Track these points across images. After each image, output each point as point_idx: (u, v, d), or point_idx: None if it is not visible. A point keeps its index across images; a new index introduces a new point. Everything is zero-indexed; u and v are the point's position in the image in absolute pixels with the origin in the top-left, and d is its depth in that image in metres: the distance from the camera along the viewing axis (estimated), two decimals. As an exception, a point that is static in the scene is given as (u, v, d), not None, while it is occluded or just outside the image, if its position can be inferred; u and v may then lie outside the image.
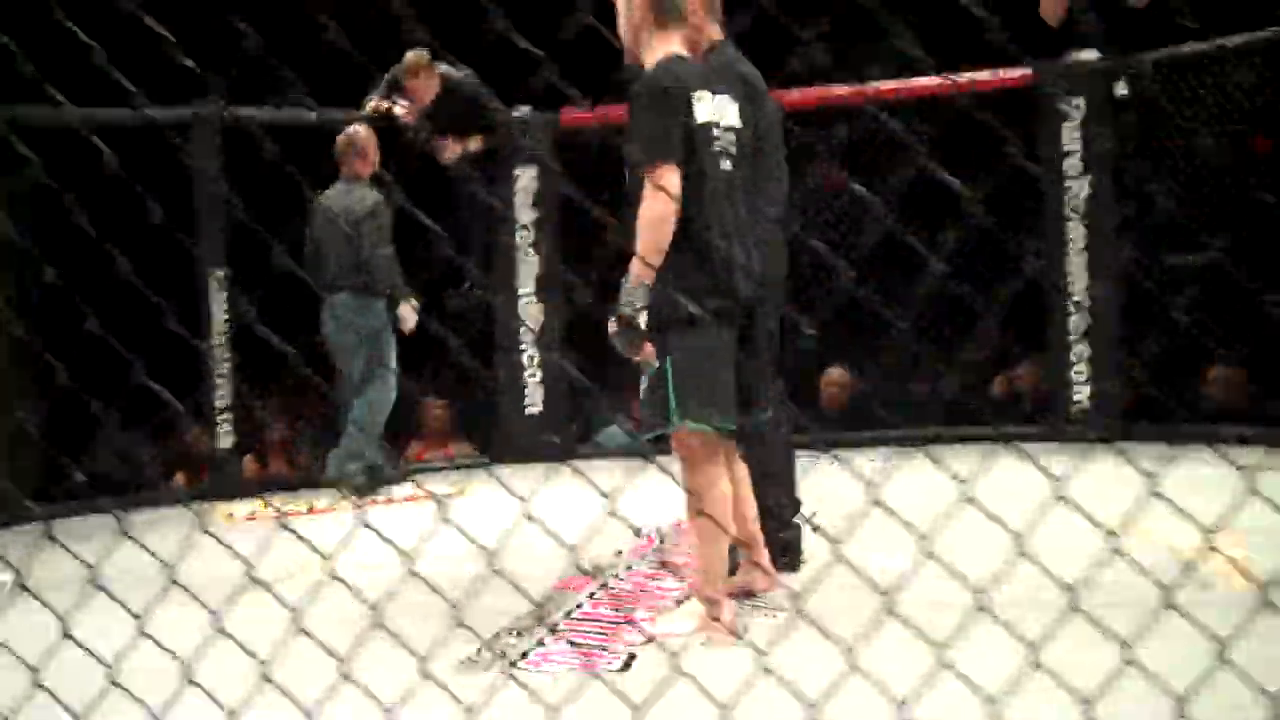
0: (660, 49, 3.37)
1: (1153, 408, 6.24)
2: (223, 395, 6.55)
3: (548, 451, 7.00)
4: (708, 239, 3.26)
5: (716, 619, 3.33)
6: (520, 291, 7.23)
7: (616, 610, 3.69)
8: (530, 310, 7.24)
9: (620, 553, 4.42)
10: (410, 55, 6.88)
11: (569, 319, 7.29)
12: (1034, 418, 6.85)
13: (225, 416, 6.57)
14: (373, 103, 6.93)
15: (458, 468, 7.13)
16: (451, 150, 7.05)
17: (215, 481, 6.58)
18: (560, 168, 7.27)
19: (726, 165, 3.36)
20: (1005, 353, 7.27)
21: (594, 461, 6.74)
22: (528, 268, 7.25)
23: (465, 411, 7.69)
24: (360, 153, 6.38)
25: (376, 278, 6.26)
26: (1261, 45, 5.97)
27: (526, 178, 7.26)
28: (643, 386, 3.36)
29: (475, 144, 7.09)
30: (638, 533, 4.55)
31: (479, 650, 3.32)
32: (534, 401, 7.23)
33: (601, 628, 3.56)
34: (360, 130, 6.47)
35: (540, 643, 3.40)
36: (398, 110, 6.87)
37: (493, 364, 7.24)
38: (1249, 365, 6.58)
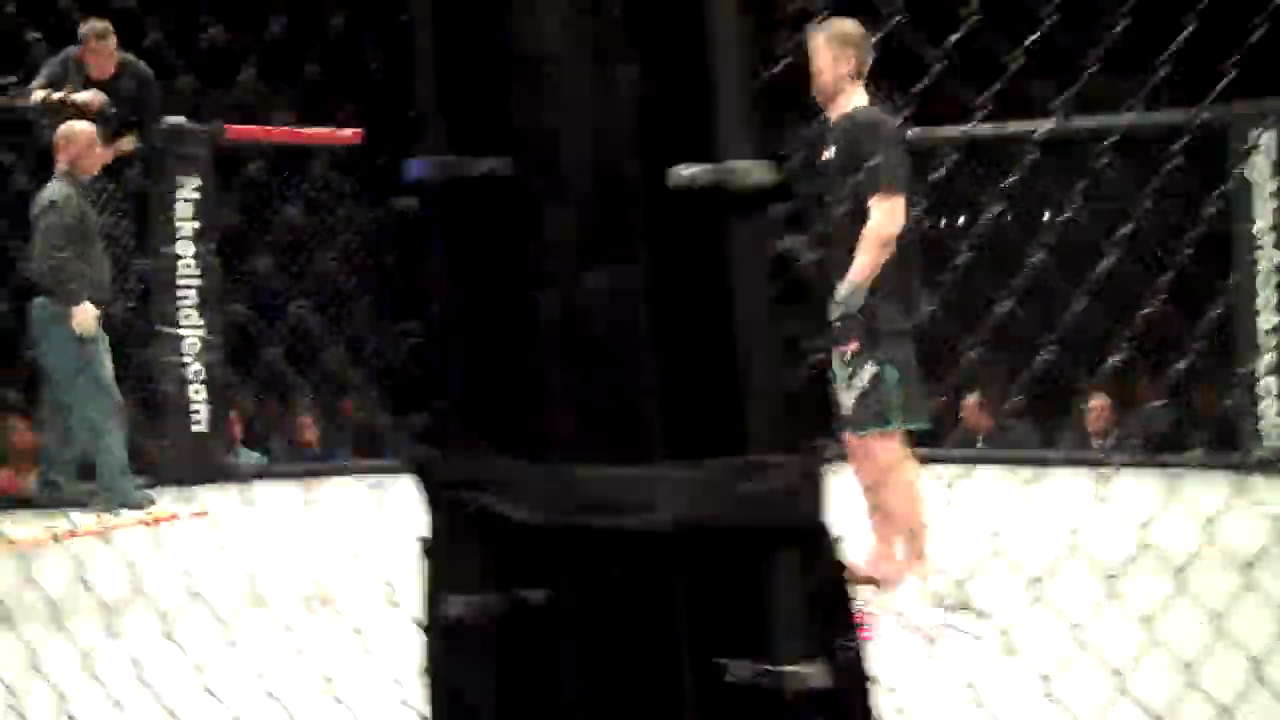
0: (860, 98, 3.87)
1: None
2: None
3: (215, 470, 6.79)
4: (910, 263, 3.78)
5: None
6: (180, 304, 6.97)
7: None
8: (192, 323, 6.99)
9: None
10: (90, 23, 6.47)
11: (230, 333, 7.12)
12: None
13: None
14: (41, 93, 6.42)
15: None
16: (106, 149, 6.68)
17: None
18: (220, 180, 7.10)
19: None
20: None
21: (266, 482, 6.64)
22: (188, 280, 7.01)
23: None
24: (62, 145, 5.97)
25: (40, 279, 5.81)
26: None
27: (189, 188, 7.02)
28: (849, 385, 3.72)
29: (127, 144, 6.76)
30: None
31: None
32: (200, 419, 6.98)
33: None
34: (76, 124, 6.05)
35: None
36: (81, 97, 6.40)
37: (151, 380, 6.93)
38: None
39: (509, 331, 1.10)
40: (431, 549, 1.18)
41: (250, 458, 7.61)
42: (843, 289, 3.68)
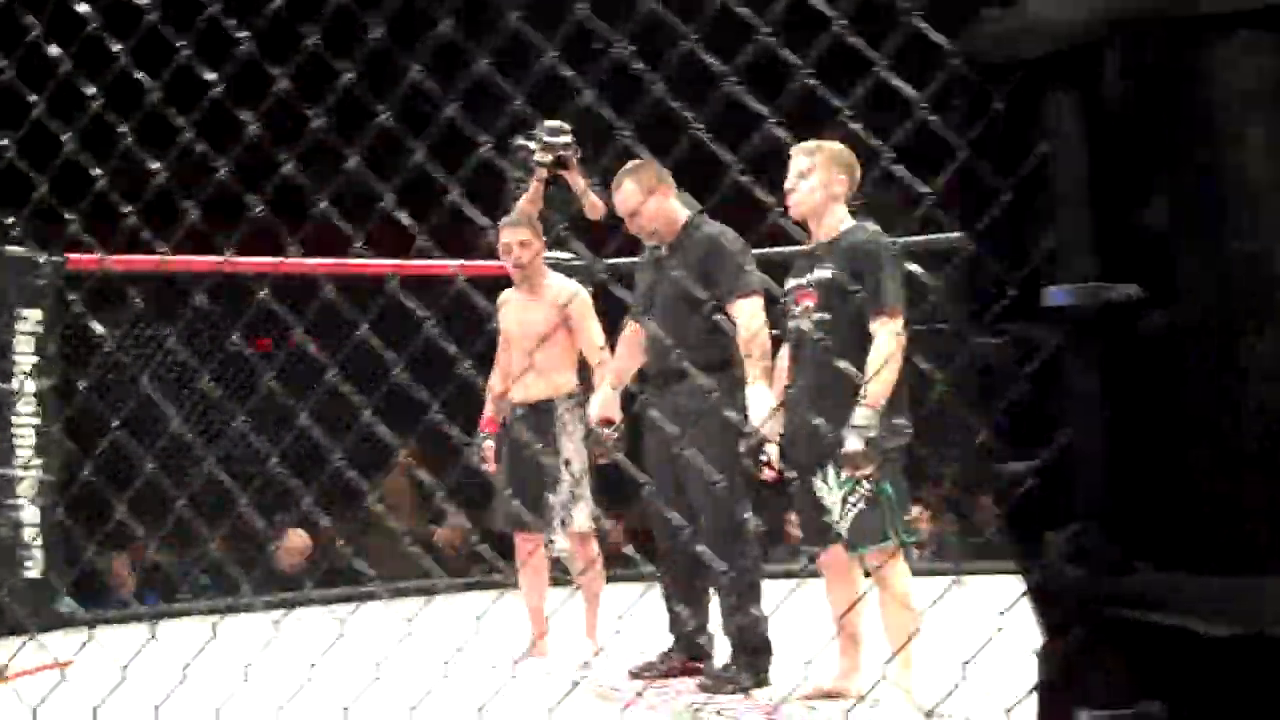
0: (847, 217, 3.93)
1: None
2: None
3: (50, 617, 6.37)
4: (901, 383, 3.75)
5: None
6: (17, 443, 6.59)
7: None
8: (29, 463, 6.61)
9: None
10: None
11: (68, 475, 6.74)
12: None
13: None
14: None
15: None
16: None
17: None
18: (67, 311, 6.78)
19: None
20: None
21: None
22: (25, 418, 6.64)
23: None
24: None
25: None
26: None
27: (31, 321, 6.69)
28: (848, 503, 3.71)
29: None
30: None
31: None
32: (34, 564, 6.56)
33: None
34: None
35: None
36: None
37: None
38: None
39: (1187, 452, 1.19)
40: (1061, 665, 1.24)
41: (69, 605, 7.15)
42: (862, 414, 3.61)
